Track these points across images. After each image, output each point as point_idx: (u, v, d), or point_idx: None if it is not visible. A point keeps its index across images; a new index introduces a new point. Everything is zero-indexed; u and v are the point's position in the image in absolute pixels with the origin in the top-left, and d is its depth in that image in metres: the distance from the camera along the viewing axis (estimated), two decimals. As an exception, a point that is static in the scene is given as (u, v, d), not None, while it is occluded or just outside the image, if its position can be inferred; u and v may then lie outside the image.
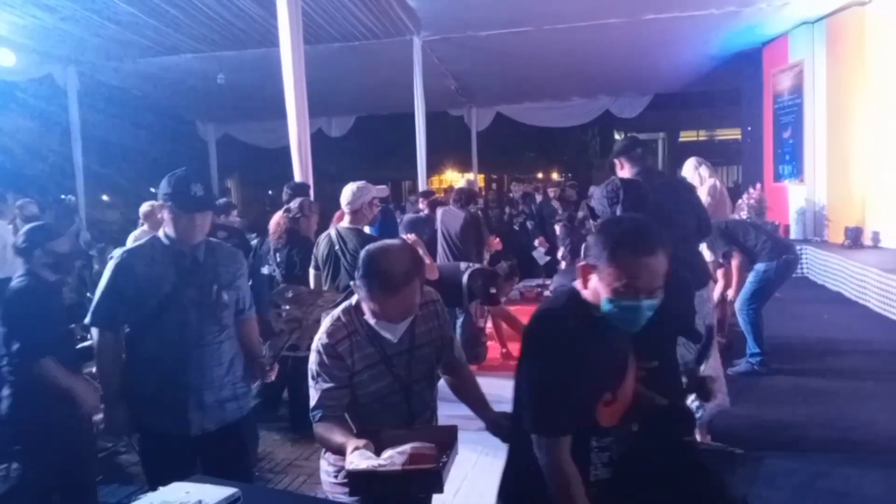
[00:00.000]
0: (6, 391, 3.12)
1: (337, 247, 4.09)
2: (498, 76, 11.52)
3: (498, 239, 6.97)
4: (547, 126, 14.92)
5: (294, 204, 4.73)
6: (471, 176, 15.15)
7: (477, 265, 5.12)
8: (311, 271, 4.23)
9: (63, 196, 14.68)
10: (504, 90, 12.84)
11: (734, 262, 5.21)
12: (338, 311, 2.09)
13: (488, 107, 14.14)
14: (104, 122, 12.02)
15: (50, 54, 9.32)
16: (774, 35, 9.71)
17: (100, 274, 7.82)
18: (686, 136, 27.19)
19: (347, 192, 4.13)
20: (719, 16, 8.46)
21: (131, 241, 5.96)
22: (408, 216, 7.44)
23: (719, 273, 5.38)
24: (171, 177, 2.63)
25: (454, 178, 22.12)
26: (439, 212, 6.51)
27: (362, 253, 2.02)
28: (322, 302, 3.61)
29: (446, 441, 1.91)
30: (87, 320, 2.62)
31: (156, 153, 16.38)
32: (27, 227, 3.42)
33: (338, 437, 1.88)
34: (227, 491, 1.60)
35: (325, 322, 2.09)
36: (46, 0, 7.26)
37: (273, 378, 3.06)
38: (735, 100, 12.01)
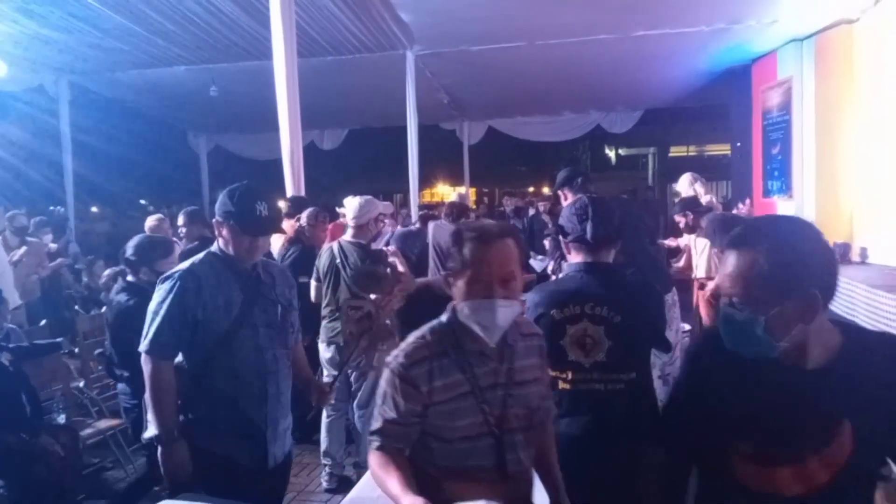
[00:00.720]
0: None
1: (338, 260, 4.13)
2: (490, 91, 11.56)
3: None
4: (539, 140, 14.97)
5: (306, 213, 4.76)
6: (462, 190, 15.17)
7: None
8: (312, 283, 4.25)
9: (52, 207, 14.60)
10: (496, 104, 12.88)
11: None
12: (427, 326, 1.80)
13: (480, 121, 14.17)
14: (95, 132, 11.97)
15: (41, 64, 9.28)
16: (763, 52, 9.81)
17: (89, 287, 7.81)
18: (676, 151, 27.38)
19: (353, 205, 4.16)
20: (709, 33, 8.55)
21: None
22: (399, 230, 7.45)
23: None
24: (232, 192, 2.35)
25: (446, 192, 22.17)
26: (431, 226, 6.52)
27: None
28: (398, 291, 3.55)
29: None
30: (142, 348, 2.33)
31: (147, 165, 16.36)
32: (139, 239, 3.40)
33: (392, 481, 1.60)
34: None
35: (409, 338, 1.79)
36: (37, 9, 7.23)
37: (332, 401, 2.92)
38: (724, 115, 12.10)
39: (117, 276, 3.49)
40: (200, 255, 2.46)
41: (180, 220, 5.40)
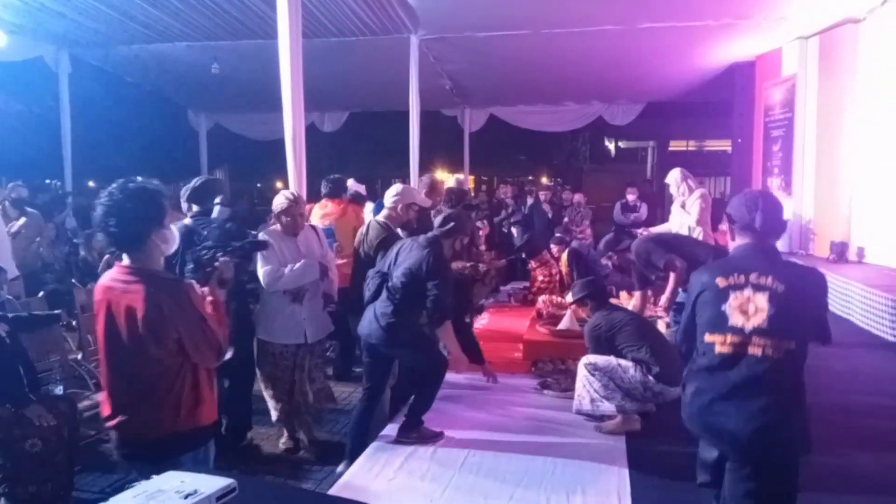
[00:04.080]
0: None
1: (361, 237, 4.28)
2: (493, 78, 11.54)
3: (486, 230, 6.98)
4: (539, 130, 14.95)
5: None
6: (461, 175, 15.15)
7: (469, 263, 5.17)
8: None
9: (48, 181, 14.53)
10: (498, 92, 12.86)
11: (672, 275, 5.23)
12: None
13: (482, 108, 14.15)
14: (94, 107, 11.90)
15: (42, 35, 9.20)
16: (768, 49, 9.81)
17: (86, 262, 7.77)
18: (676, 145, 27.36)
19: (392, 190, 4.48)
20: (715, 27, 8.53)
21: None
22: None
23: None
24: None
25: (445, 178, 22.12)
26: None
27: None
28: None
29: None
30: None
31: (146, 141, 16.26)
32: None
33: None
34: (223, 481, 1.59)
35: None
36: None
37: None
38: (726, 111, 12.10)
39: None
40: None
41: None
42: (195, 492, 1.54)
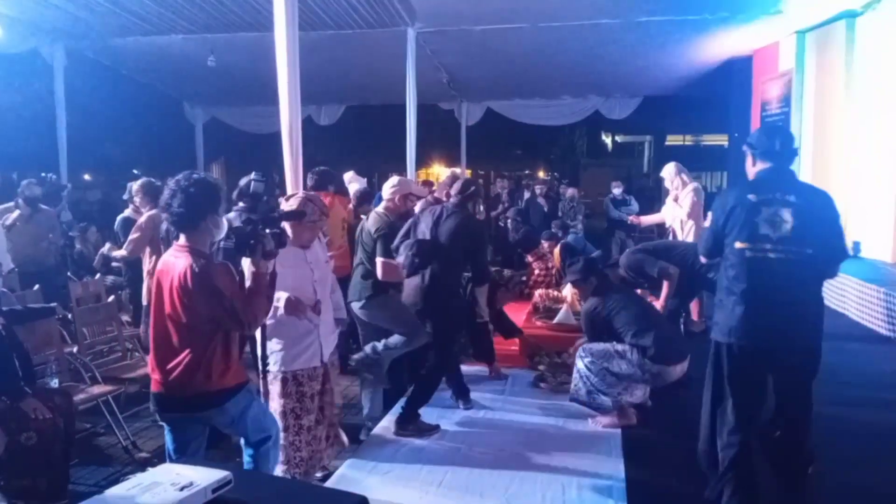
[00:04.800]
0: None
1: (361, 225, 4.44)
2: (490, 71, 11.51)
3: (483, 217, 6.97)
4: (537, 124, 14.93)
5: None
6: (458, 169, 15.14)
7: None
8: None
9: (44, 174, 14.43)
10: (496, 86, 12.83)
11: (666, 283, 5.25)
12: None
13: (479, 102, 14.12)
14: (90, 100, 11.84)
15: (37, 28, 9.15)
16: (765, 43, 9.80)
17: (81, 255, 7.71)
18: (673, 139, 27.41)
19: (389, 182, 4.51)
20: (712, 21, 8.52)
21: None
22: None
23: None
24: None
25: (442, 172, 22.09)
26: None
27: None
28: None
29: None
30: None
31: (141, 134, 16.21)
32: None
33: None
34: (218, 473, 1.59)
35: None
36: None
37: None
38: (723, 106, 12.10)
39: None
40: None
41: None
42: (191, 484, 1.54)
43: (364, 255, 4.22)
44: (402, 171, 9.33)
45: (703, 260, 3.30)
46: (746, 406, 2.87)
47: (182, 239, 2.64)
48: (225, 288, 2.52)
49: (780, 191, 2.85)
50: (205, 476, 1.58)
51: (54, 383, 3.75)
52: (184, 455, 2.65)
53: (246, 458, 2.82)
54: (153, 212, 4.99)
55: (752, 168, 3.04)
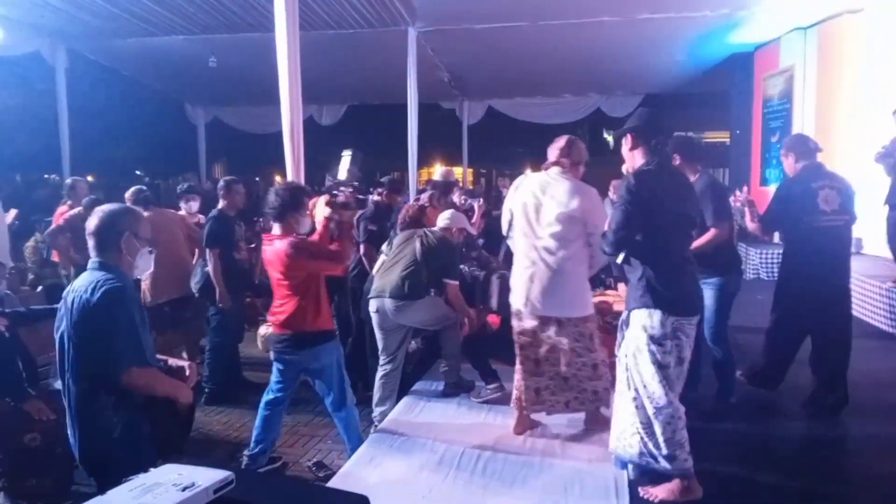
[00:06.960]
0: None
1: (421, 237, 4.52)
2: (491, 70, 11.51)
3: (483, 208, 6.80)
4: (538, 122, 14.92)
5: (425, 195, 5.30)
6: (445, 168, 15.08)
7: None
8: None
9: (47, 175, 14.49)
10: (497, 84, 12.83)
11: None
12: None
13: (480, 100, 14.13)
14: (92, 101, 11.86)
15: (38, 30, 9.17)
16: (767, 40, 9.78)
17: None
18: (675, 137, 27.31)
19: (443, 215, 4.73)
20: (713, 18, 8.51)
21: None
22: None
23: None
24: None
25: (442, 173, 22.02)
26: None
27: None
28: None
29: None
30: None
31: (144, 135, 16.23)
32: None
33: None
34: (220, 474, 1.60)
35: None
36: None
37: None
38: (724, 103, 12.08)
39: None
40: None
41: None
42: (192, 484, 1.54)
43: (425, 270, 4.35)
44: (403, 170, 9.33)
45: (756, 231, 4.40)
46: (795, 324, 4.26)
47: (276, 229, 3.58)
48: (315, 246, 3.54)
49: (828, 178, 4.09)
50: (207, 476, 1.59)
51: (58, 385, 3.76)
52: (280, 392, 3.74)
53: (338, 424, 3.81)
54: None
55: (795, 165, 4.19)
